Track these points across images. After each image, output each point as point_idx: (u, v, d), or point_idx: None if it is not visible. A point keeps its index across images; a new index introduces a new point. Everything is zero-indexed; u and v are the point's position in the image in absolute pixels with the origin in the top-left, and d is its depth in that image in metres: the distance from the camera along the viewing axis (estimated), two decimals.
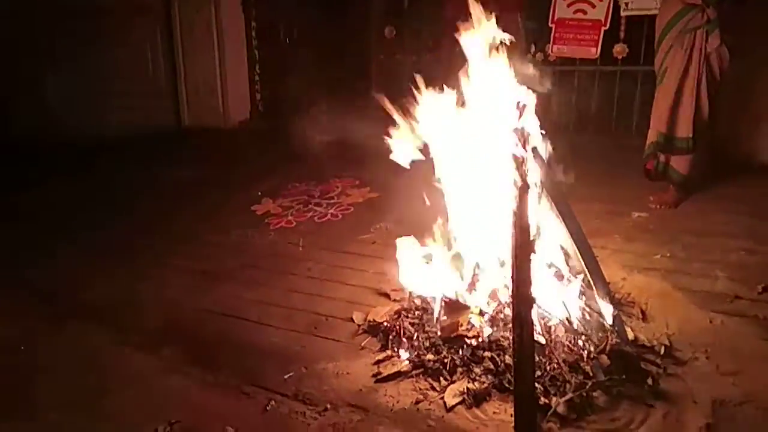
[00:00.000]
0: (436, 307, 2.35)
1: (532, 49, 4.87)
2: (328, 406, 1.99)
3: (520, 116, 2.15)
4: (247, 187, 4.32)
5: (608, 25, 4.55)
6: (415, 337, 2.28)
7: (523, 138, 2.09)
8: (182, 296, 2.79)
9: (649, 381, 1.98)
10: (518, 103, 2.17)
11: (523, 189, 1.97)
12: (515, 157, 2.01)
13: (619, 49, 4.60)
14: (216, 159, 5.15)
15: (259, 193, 4.18)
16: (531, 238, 1.92)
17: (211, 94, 6.11)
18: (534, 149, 2.14)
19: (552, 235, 2.27)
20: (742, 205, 3.53)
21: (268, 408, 1.99)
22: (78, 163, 4.94)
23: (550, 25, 4.77)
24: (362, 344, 2.35)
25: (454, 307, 2.32)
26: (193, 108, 6.28)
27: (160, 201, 4.14)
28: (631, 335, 2.20)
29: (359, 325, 2.48)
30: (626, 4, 4.44)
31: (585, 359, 2.05)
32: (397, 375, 2.12)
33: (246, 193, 4.22)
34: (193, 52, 6.07)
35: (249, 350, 2.34)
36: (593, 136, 4.77)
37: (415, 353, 2.20)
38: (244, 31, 5.85)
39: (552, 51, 4.78)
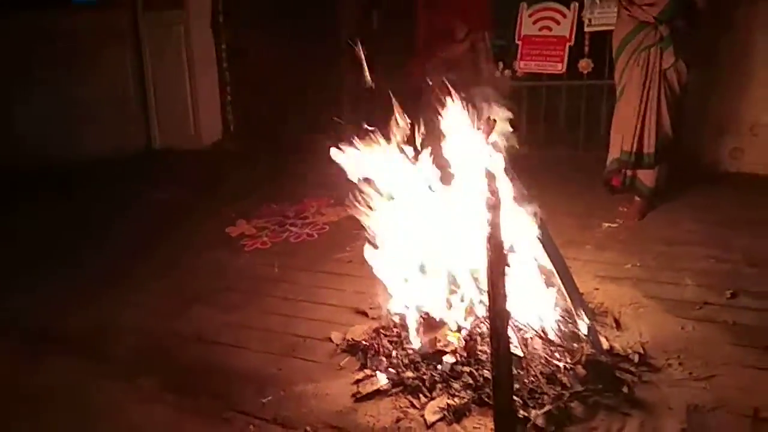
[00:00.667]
0: (414, 325, 2.36)
1: (500, 65, 4.97)
2: (308, 428, 1.98)
3: (490, 132, 2.20)
4: (220, 209, 4.29)
5: (573, 40, 4.67)
6: (393, 355, 2.28)
7: (494, 154, 2.14)
8: (158, 322, 2.74)
9: (625, 389, 2.01)
10: (488, 118, 2.22)
11: (495, 204, 2.01)
12: (487, 173, 2.05)
13: (584, 64, 4.71)
14: (189, 181, 5.10)
15: (233, 215, 4.16)
16: (505, 252, 1.96)
17: (182, 116, 6.07)
18: (506, 166, 2.19)
19: (525, 248, 2.30)
20: (709, 214, 3.63)
21: None
22: (50, 189, 4.85)
23: (517, 41, 4.87)
24: (341, 364, 2.34)
25: (431, 323, 2.34)
26: (164, 130, 6.24)
27: (134, 224, 4.08)
28: (605, 344, 2.24)
29: (337, 345, 2.47)
30: (589, 20, 4.56)
31: (562, 370, 2.08)
32: (377, 393, 2.12)
33: (220, 214, 4.19)
34: (164, 74, 6.04)
35: (226, 375, 2.31)
36: (561, 149, 4.86)
37: (395, 371, 2.20)
38: (215, 53, 5.85)
39: (519, 67, 4.88)
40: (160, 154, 6.20)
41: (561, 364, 2.10)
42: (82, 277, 3.26)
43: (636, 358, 2.19)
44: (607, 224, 3.57)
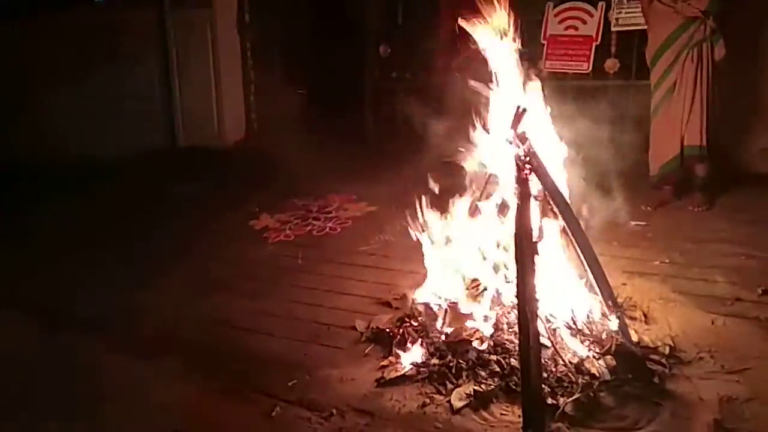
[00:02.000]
0: (441, 313, 2.35)
1: (525, 65, 4.94)
2: (334, 411, 1.97)
3: (519, 121, 2.19)
4: (244, 204, 4.31)
5: (599, 40, 4.63)
6: (419, 343, 2.27)
7: (526, 143, 2.13)
8: (181, 306, 2.77)
9: (656, 380, 1.98)
10: (518, 107, 2.21)
11: (526, 194, 2.00)
12: (518, 163, 2.04)
13: (611, 64, 4.67)
14: (213, 177, 5.14)
15: (257, 209, 4.18)
16: (534, 241, 1.94)
17: (206, 114, 6.12)
18: (535, 154, 2.17)
19: (554, 239, 2.28)
20: (739, 214, 3.57)
21: (273, 414, 1.97)
22: (76, 184, 4.91)
23: (542, 41, 4.84)
24: (366, 351, 2.34)
25: (458, 312, 2.32)
26: (188, 128, 6.28)
27: (158, 217, 4.13)
28: (635, 337, 2.20)
29: (362, 333, 2.47)
30: (616, 19, 4.53)
31: (591, 360, 2.05)
32: (402, 380, 2.11)
33: (243, 209, 4.21)
34: (189, 72, 6.09)
35: (251, 358, 2.32)
36: (587, 149, 4.80)
37: (420, 358, 2.19)
38: (240, 52, 5.90)
39: (545, 66, 4.85)
40: (184, 151, 6.25)
41: (590, 354, 2.07)
42: (110, 264, 3.30)
43: (666, 351, 2.15)
44: (634, 223, 3.52)
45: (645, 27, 4.38)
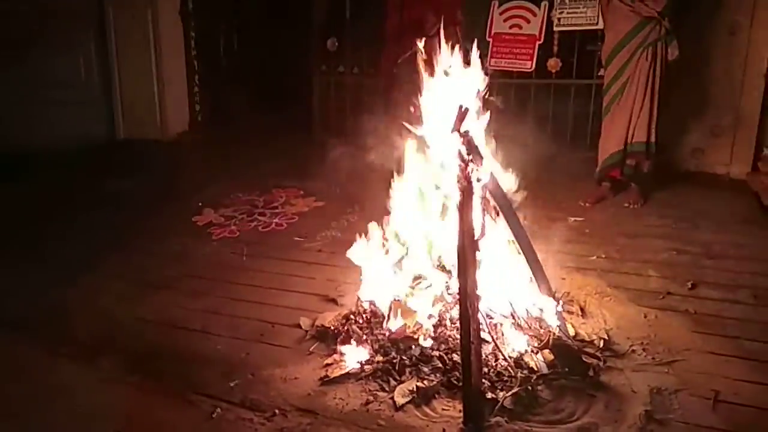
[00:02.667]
0: (385, 311, 2.36)
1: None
2: (276, 411, 1.95)
3: (462, 120, 2.22)
4: (187, 198, 4.21)
5: (542, 39, 4.73)
6: (363, 340, 2.27)
7: (467, 141, 2.15)
8: (119, 306, 2.68)
9: (591, 373, 2.04)
10: (461, 107, 2.24)
11: (468, 190, 2.02)
12: (460, 159, 2.06)
13: (553, 63, 4.78)
14: (154, 170, 5.00)
15: (200, 204, 4.09)
16: (475, 238, 1.97)
17: (147, 105, 5.93)
18: (477, 151, 2.20)
19: (495, 235, 2.32)
20: (671, 210, 3.73)
21: (213, 415, 1.93)
22: (5, 173, 4.68)
23: (487, 38, 4.91)
24: (310, 349, 2.32)
25: (402, 309, 2.34)
26: (128, 119, 6.08)
27: (94, 211, 3.98)
28: (572, 331, 2.28)
29: (306, 331, 2.45)
30: (558, 19, 4.64)
31: (529, 354, 2.10)
32: (346, 377, 2.11)
33: (186, 203, 4.11)
34: (129, 61, 5.89)
35: (191, 359, 2.27)
36: (529, 146, 4.91)
37: (364, 356, 2.19)
38: (183, 40, 5.74)
39: (490, 64, 4.92)
40: (123, 144, 6.05)
41: (529, 348, 2.12)
42: (42, 264, 3.16)
43: (601, 344, 2.23)
44: (573, 218, 3.63)
45: (586, 27, 4.54)
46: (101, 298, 2.76)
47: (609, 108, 3.85)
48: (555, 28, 4.70)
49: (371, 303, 2.46)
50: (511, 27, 4.85)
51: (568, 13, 4.61)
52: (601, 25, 4.37)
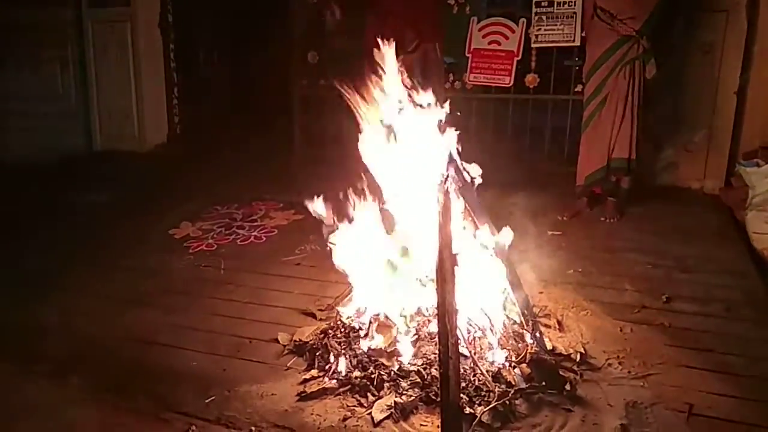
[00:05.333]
0: (365, 326, 2.35)
1: (451, 77, 5.05)
2: (253, 428, 1.93)
3: (441, 134, 2.24)
4: (164, 211, 4.16)
5: (521, 55, 4.79)
6: (342, 355, 2.26)
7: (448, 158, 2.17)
8: (93, 323, 2.63)
9: (567, 387, 2.06)
10: (439, 122, 2.26)
11: (447, 205, 2.04)
12: (440, 175, 2.08)
13: (531, 79, 4.84)
14: (131, 183, 4.94)
15: (178, 217, 4.03)
16: (454, 253, 1.98)
17: (125, 117, 5.87)
18: (456, 167, 2.22)
19: (474, 251, 2.33)
20: (646, 224, 3.78)
21: None
22: None
23: (467, 54, 4.96)
24: (288, 365, 2.31)
25: (381, 324, 2.33)
26: (106, 131, 6.01)
27: (70, 226, 3.92)
28: (549, 345, 2.29)
29: (284, 346, 2.43)
30: (536, 36, 4.70)
31: (507, 369, 2.11)
32: (324, 393, 2.10)
33: (164, 216, 4.07)
34: (108, 73, 5.83)
35: (166, 376, 2.24)
36: (508, 160, 4.96)
37: (343, 371, 2.18)
38: (162, 52, 5.70)
39: (469, 79, 4.97)
40: (100, 156, 5.97)
41: (507, 363, 2.13)
42: (13, 279, 3.08)
43: (578, 358, 2.25)
44: (551, 232, 3.67)
45: (563, 44, 4.61)
46: (74, 314, 2.71)
47: (588, 123, 3.90)
48: (533, 45, 4.75)
49: (351, 317, 2.46)
50: (489, 43, 4.90)
51: (545, 30, 4.67)
52: (577, 42, 4.46)
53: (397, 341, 2.24)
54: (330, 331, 2.43)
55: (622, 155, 3.77)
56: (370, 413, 1.98)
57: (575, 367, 2.19)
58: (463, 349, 2.08)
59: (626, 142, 3.75)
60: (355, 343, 2.32)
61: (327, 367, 2.22)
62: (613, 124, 3.75)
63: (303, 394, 2.09)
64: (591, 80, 3.81)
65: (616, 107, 3.72)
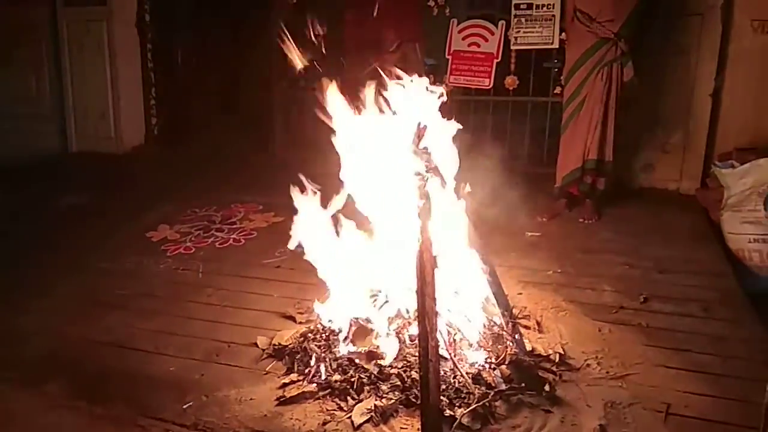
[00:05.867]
0: (345, 329, 2.34)
1: (431, 78, 5.05)
2: None
3: (421, 138, 2.23)
4: (141, 214, 4.11)
5: (500, 57, 4.82)
6: (321, 358, 2.24)
7: (427, 157, 2.16)
8: (68, 327, 2.59)
9: (547, 388, 2.06)
10: (419, 124, 2.25)
11: (427, 207, 2.03)
12: (419, 176, 2.07)
13: (510, 81, 4.87)
14: (108, 185, 4.87)
15: (155, 220, 3.98)
16: (434, 255, 1.98)
17: (101, 118, 5.79)
18: (436, 169, 2.22)
19: (455, 252, 2.33)
20: (624, 225, 3.82)
21: None
22: None
23: (447, 56, 4.98)
24: (267, 369, 2.28)
25: (361, 327, 2.32)
26: (81, 132, 5.92)
27: (44, 228, 3.85)
28: (528, 346, 2.30)
29: (263, 350, 2.41)
30: (515, 38, 4.73)
31: (487, 370, 2.11)
32: (303, 397, 2.08)
33: (141, 219, 4.01)
34: (83, 72, 5.75)
35: (143, 381, 2.20)
36: (487, 161, 4.98)
37: (322, 375, 2.17)
38: (139, 52, 5.63)
39: (449, 81, 4.98)
40: (76, 157, 5.87)
41: (486, 365, 2.13)
42: None
43: (557, 359, 2.25)
44: (530, 233, 3.69)
45: (542, 46, 4.64)
46: (49, 319, 2.66)
47: (567, 124, 3.94)
48: (512, 47, 4.78)
49: (331, 320, 2.44)
50: (469, 45, 4.92)
51: (524, 32, 4.70)
52: (556, 45, 4.49)
53: (377, 344, 2.23)
54: (310, 335, 2.41)
55: (593, 156, 3.82)
56: (350, 417, 1.96)
57: (554, 368, 2.20)
58: (443, 352, 2.08)
59: (601, 144, 3.79)
60: (335, 347, 2.31)
61: (306, 370, 2.20)
62: (589, 125, 3.79)
63: (282, 399, 2.07)
64: (570, 82, 3.85)
65: (593, 109, 3.76)
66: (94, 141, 5.84)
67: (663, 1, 4.19)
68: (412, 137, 2.19)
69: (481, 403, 1.96)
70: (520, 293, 2.84)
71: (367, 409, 1.98)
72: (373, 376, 2.12)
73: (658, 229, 3.70)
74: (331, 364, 2.21)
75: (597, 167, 3.85)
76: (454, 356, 2.13)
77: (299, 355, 2.29)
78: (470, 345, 2.21)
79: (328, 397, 2.08)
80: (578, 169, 3.88)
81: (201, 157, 5.49)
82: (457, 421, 1.89)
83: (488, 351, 2.20)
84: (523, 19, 4.64)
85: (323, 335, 2.40)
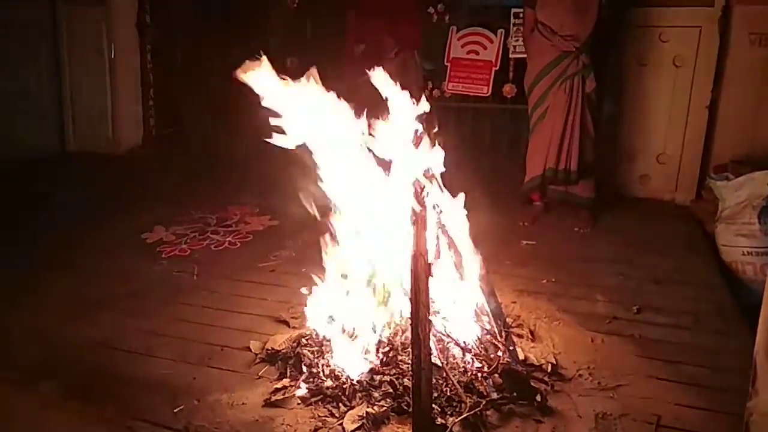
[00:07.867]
0: (337, 334, 2.33)
1: (429, 85, 5.07)
2: None
3: (418, 144, 2.24)
4: (138, 215, 4.10)
5: (499, 65, 4.84)
6: (314, 364, 2.24)
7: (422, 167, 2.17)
8: (61, 327, 2.58)
9: (538, 398, 2.06)
10: (416, 131, 2.26)
11: (421, 214, 2.04)
12: (414, 184, 2.08)
13: (508, 89, 4.89)
14: (104, 185, 4.85)
15: (151, 221, 3.97)
16: (428, 263, 1.98)
17: (100, 118, 5.78)
18: (432, 176, 2.23)
19: (449, 260, 2.34)
20: (619, 235, 3.82)
21: None
22: None
23: (446, 63, 5.00)
24: (259, 373, 2.28)
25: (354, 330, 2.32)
26: (79, 131, 5.90)
27: (41, 228, 3.83)
28: (521, 355, 2.30)
29: (256, 354, 2.41)
30: (514, 47, 4.75)
31: (479, 379, 2.11)
32: (295, 402, 2.08)
33: (137, 220, 4.00)
34: (82, 72, 5.73)
35: (135, 383, 2.20)
36: (485, 169, 5.00)
37: (314, 380, 2.17)
38: (139, 53, 5.63)
39: (447, 88, 5.00)
40: (73, 157, 5.86)
41: (479, 373, 2.14)
42: None
43: (549, 368, 2.26)
44: (525, 241, 3.69)
45: None
46: (41, 319, 2.65)
47: (531, 134, 3.97)
48: (510, 55, 4.81)
49: (324, 326, 2.44)
50: (468, 53, 4.94)
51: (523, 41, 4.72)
52: None
53: (369, 351, 2.23)
54: (303, 340, 2.41)
55: (554, 166, 3.82)
56: (341, 424, 1.96)
57: (546, 378, 2.21)
58: (435, 360, 2.08)
59: (564, 154, 3.79)
60: (327, 352, 2.30)
61: (299, 376, 2.20)
62: (551, 136, 3.80)
63: (274, 404, 2.07)
64: (533, 93, 3.87)
65: (555, 119, 3.77)
66: (91, 141, 5.82)
67: (624, 16, 4.23)
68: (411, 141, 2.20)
69: (472, 411, 1.96)
70: (514, 302, 2.84)
71: (359, 416, 1.98)
72: (365, 383, 2.12)
73: (653, 240, 3.71)
74: (323, 370, 2.21)
75: (558, 176, 3.84)
76: (447, 364, 2.13)
77: (292, 360, 2.29)
78: (463, 353, 2.21)
79: (319, 403, 2.08)
80: (538, 177, 3.90)
81: (198, 159, 5.48)
82: (449, 429, 1.90)
83: (481, 360, 2.20)
84: (521, 28, 4.65)
85: (316, 341, 2.39)
